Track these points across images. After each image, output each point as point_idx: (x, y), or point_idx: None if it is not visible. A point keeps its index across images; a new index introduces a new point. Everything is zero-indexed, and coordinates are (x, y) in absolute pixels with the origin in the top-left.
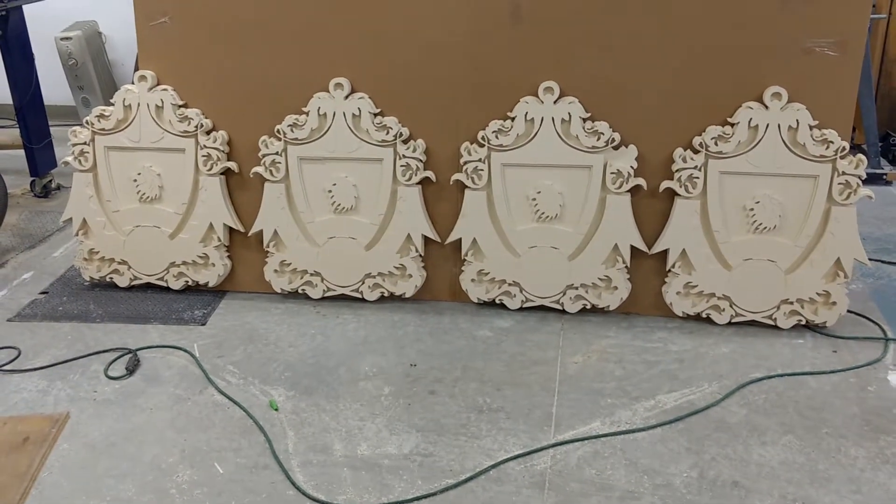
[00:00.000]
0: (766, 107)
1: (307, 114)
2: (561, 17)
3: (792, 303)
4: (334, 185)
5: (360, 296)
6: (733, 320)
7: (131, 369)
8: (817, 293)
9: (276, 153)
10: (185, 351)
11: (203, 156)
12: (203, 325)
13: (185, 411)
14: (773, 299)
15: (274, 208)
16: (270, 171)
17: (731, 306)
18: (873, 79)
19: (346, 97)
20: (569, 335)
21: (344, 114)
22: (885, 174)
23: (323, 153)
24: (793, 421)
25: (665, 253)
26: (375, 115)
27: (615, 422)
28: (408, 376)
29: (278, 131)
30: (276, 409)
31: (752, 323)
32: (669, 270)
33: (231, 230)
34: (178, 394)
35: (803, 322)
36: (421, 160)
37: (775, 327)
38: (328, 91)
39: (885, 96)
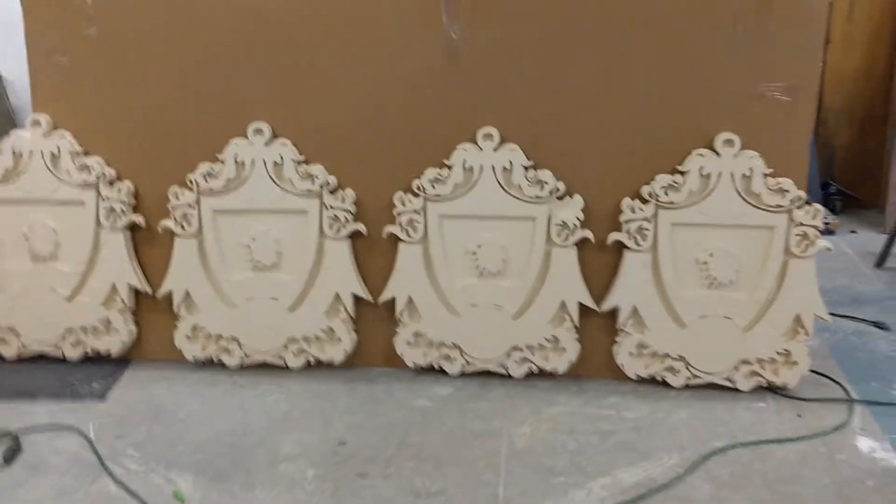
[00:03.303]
0: (718, 154)
1: (223, 162)
2: (500, 60)
3: (751, 363)
4: (253, 239)
5: (283, 363)
6: (690, 382)
7: (10, 456)
8: (777, 352)
9: (188, 205)
10: (79, 432)
11: (105, 209)
12: (102, 399)
13: None
14: (731, 359)
15: (185, 266)
16: (181, 224)
17: (686, 367)
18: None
19: (267, 143)
20: (515, 403)
21: (264, 161)
22: (828, 223)
23: (241, 205)
24: (762, 496)
25: (615, 310)
26: (299, 163)
27: (569, 503)
28: (335, 456)
29: (190, 181)
30: (182, 501)
31: (711, 385)
32: (620, 329)
33: (137, 292)
34: (66, 484)
35: (764, 384)
36: (350, 211)
37: (735, 389)
38: (246, 137)
39: (823, 145)
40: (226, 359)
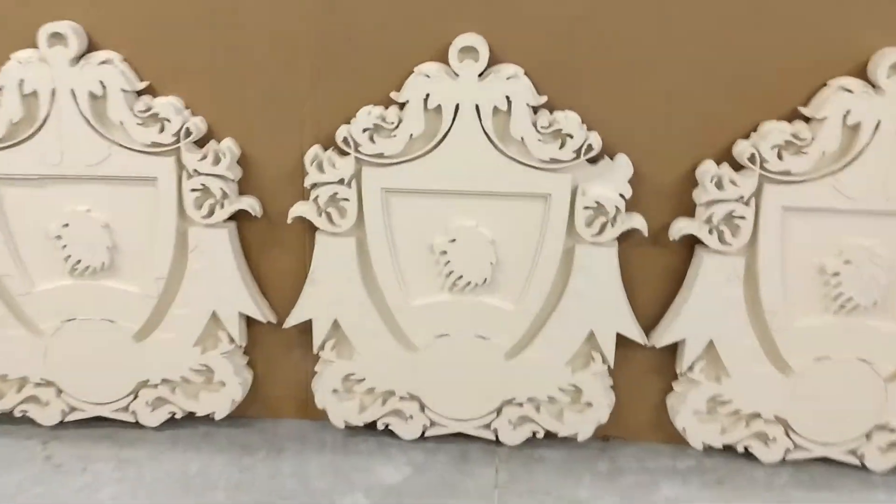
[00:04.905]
0: (876, 88)
1: (0, 91)
2: None
3: (893, 430)
4: (66, 226)
5: (131, 419)
6: (789, 456)
7: None
8: None
9: None
10: None
11: None
12: None
13: None
14: (863, 424)
15: None
16: None
17: (786, 434)
18: None
19: (77, 60)
20: (509, 497)
21: (73, 92)
22: None
23: (37, 168)
24: None
25: (677, 346)
26: (138, 94)
27: None
28: None
29: None
30: None
31: (821, 461)
32: (683, 374)
33: None
34: None
35: None
36: (231, 179)
37: (861, 468)
38: (37, 48)
39: None
40: (36, 414)
